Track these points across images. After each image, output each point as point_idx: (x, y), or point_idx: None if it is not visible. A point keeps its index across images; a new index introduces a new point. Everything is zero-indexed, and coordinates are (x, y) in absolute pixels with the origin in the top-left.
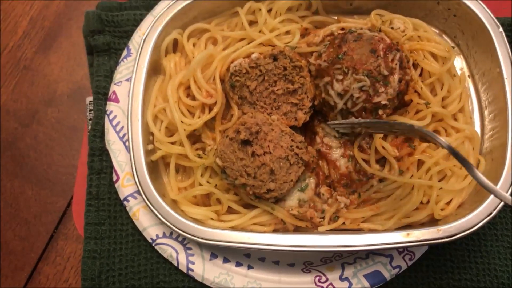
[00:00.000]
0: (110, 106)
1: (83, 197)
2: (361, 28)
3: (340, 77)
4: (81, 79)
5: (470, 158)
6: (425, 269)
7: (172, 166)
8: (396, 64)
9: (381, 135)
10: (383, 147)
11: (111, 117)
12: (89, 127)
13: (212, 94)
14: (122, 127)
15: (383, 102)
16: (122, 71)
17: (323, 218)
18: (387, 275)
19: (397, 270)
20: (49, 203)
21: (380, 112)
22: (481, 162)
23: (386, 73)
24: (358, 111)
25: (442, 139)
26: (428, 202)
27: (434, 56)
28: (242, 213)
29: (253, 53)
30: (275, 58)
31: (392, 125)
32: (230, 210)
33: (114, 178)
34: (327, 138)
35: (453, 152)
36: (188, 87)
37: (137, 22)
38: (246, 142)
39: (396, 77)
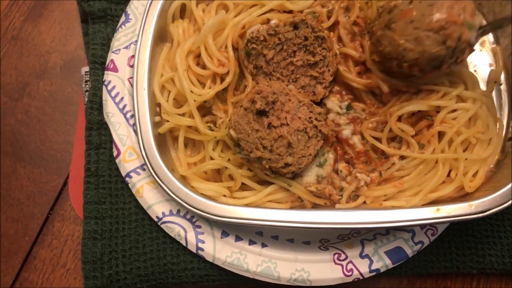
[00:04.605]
0: (108, 76)
1: (80, 175)
2: None
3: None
4: (75, 49)
5: (489, 122)
6: (447, 245)
7: (181, 140)
8: None
9: (396, 117)
10: (399, 128)
11: (109, 87)
12: (85, 99)
13: (224, 63)
14: (122, 98)
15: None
16: (120, 38)
17: (342, 195)
18: (409, 251)
19: (419, 246)
20: (43, 183)
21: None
22: (500, 125)
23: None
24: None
25: None
26: (450, 173)
27: None
28: (257, 190)
29: (268, 19)
30: (295, 27)
31: None
32: (243, 187)
33: (115, 153)
34: (331, 115)
35: None
36: (198, 56)
37: None
38: (261, 113)
39: None
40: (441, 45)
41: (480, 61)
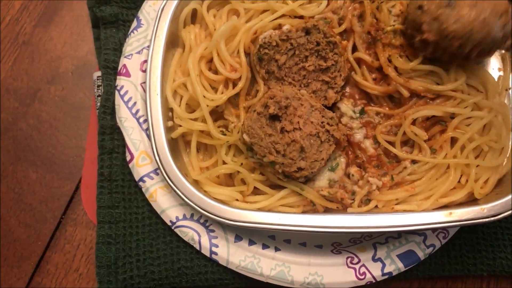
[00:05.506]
0: (121, 81)
1: (92, 180)
2: None
3: None
4: (86, 54)
5: (503, 131)
6: (457, 248)
7: (193, 144)
8: None
9: (411, 120)
10: (412, 131)
11: (122, 92)
12: (98, 104)
13: (237, 69)
14: (135, 103)
15: None
16: (132, 43)
17: (354, 200)
18: (421, 254)
19: (431, 249)
20: (56, 187)
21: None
22: None
23: None
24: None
25: None
26: (460, 179)
27: None
28: (269, 194)
29: (279, 24)
30: (307, 32)
31: None
32: (256, 191)
33: (128, 158)
34: (345, 119)
35: None
36: (210, 61)
37: None
38: (274, 117)
39: None
40: (502, 29)
41: (489, 66)
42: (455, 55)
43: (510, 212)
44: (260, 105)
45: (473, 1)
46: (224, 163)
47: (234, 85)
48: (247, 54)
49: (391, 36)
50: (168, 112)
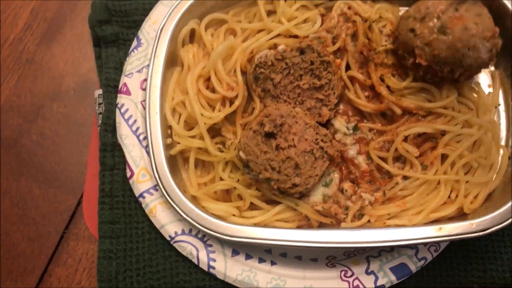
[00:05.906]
0: (121, 99)
1: (93, 195)
2: None
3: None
4: (87, 72)
5: (492, 148)
6: (449, 261)
7: (191, 161)
8: None
9: (402, 137)
10: (404, 148)
11: (122, 110)
12: (99, 121)
13: (233, 87)
14: (135, 121)
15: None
16: (132, 62)
17: (347, 214)
18: (413, 267)
19: (422, 262)
20: (58, 202)
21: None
22: (504, 152)
23: None
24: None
25: None
26: (450, 195)
27: None
28: (265, 209)
29: (275, 44)
30: (302, 52)
31: None
32: (252, 206)
33: (128, 174)
34: (338, 135)
35: None
36: (207, 79)
37: (145, 11)
38: (270, 135)
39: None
40: (489, 53)
41: (480, 83)
42: (445, 78)
43: (498, 227)
44: (256, 123)
45: (464, 28)
46: (221, 179)
47: (231, 103)
48: (244, 73)
49: (383, 56)
50: (167, 129)
